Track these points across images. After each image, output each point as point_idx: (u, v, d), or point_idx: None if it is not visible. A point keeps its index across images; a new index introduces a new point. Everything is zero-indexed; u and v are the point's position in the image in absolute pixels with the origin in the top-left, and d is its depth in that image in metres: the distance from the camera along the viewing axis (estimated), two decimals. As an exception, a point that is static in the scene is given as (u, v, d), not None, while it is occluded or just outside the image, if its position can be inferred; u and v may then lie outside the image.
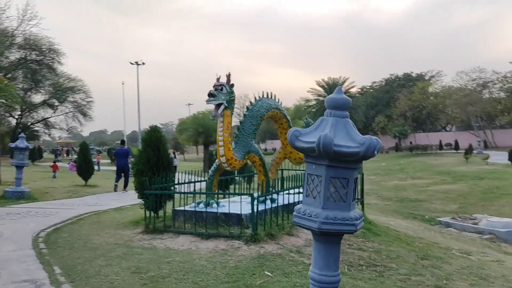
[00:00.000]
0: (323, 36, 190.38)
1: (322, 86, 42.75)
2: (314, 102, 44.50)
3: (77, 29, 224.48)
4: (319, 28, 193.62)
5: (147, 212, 6.91)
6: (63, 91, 43.47)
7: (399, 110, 62.25)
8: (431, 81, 66.41)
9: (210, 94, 6.31)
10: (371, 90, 74.21)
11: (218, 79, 6.59)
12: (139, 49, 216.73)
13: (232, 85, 6.62)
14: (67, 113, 48.12)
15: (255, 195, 6.13)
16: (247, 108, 7.29)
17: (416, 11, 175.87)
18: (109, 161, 40.85)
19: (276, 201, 6.80)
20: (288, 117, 8.31)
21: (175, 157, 25.63)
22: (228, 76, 6.61)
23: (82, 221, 8.19)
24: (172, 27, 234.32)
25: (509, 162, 30.19)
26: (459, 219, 13.88)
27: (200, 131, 31.65)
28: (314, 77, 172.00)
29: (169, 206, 7.23)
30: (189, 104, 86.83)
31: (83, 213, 9.11)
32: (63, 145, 68.95)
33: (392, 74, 73.20)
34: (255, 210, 5.84)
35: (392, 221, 10.44)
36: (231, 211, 6.36)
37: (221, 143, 6.46)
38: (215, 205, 6.86)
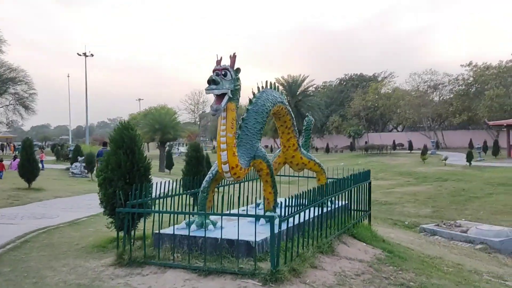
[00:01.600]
0: (279, 38, 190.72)
1: (281, 84, 41.70)
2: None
3: (20, 18, 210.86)
4: (276, 30, 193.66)
5: (120, 235, 5.28)
6: (3, 82, 39.92)
7: (353, 110, 62.82)
8: (383, 82, 67.54)
9: (212, 81, 4.79)
10: (325, 90, 74.56)
11: (219, 61, 5.08)
12: (87, 41, 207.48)
13: (238, 70, 5.14)
14: (7, 105, 44.52)
15: (274, 213, 4.72)
16: (250, 101, 5.82)
17: (368, 18, 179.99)
18: (53, 158, 37.57)
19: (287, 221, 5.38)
20: (292, 114, 6.95)
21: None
22: (233, 58, 5.12)
23: (28, 244, 6.32)
24: (121, 19, 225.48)
25: (467, 164, 30.59)
26: (444, 226, 13.14)
27: (156, 127, 29.59)
28: (271, 75, 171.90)
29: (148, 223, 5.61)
30: (139, 99, 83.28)
31: (29, 231, 7.16)
32: (2, 140, 63.52)
33: (346, 74, 73.85)
34: (276, 236, 4.40)
35: (392, 233, 9.35)
36: (237, 237, 4.81)
37: (223, 146, 4.97)
38: (211, 226, 5.35)
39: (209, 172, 5.60)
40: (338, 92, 70.88)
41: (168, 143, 29.58)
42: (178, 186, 6.33)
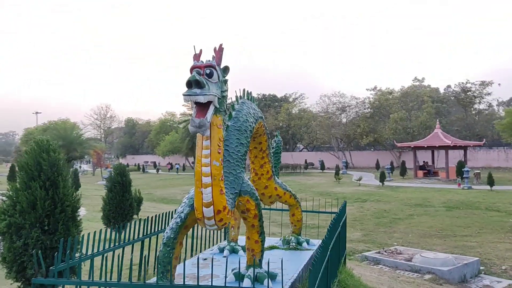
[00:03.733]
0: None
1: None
2: (189, 117, 41.58)
3: None
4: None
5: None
6: None
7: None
8: (294, 103, 69.19)
9: (195, 82, 3.27)
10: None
11: (197, 56, 3.60)
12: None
13: (227, 69, 3.69)
14: None
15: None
16: (229, 115, 4.38)
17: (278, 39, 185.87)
18: None
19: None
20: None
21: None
22: (219, 51, 3.67)
23: None
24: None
25: (380, 184, 31.57)
26: (385, 253, 12.61)
27: (60, 144, 26.22)
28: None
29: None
30: (36, 112, 75.50)
31: None
32: None
33: (259, 94, 74.39)
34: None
35: (353, 269, 8.32)
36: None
37: (206, 180, 3.46)
38: None
39: (175, 216, 3.97)
40: (251, 111, 71.04)
41: (73, 162, 26.34)
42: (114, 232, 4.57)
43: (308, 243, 6.14)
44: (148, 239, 4.82)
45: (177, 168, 63.23)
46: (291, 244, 6.00)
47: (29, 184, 4.01)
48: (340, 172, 41.26)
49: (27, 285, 3.66)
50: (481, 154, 48.15)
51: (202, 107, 3.33)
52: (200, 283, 3.51)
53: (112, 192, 9.19)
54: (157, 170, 63.72)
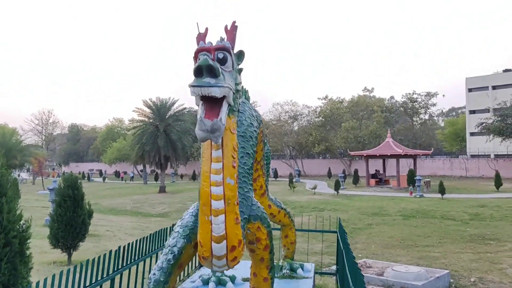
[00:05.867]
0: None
1: (149, 107, 38.55)
2: (139, 124, 39.83)
3: None
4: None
5: None
6: None
7: (219, 136, 62.39)
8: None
9: (209, 69, 2.41)
10: (191, 116, 73.07)
11: (203, 36, 2.79)
12: None
13: (242, 54, 2.89)
14: None
15: None
16: None
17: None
18: None
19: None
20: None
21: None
22: (232, 29, 2.86)
23: None
24: None
25: (335, 192, 31.61)
26: (354, 267, 12.10)
27: (-3, 151, 24.01)
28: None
29: None
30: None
31: None
32: None
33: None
34: None
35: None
36: None
37: (218, 205, 2.62)
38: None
39: (165, 251, 3.06)
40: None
41: (12, 170, 24.15)
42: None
43: (303, 269, 5.40)
44: (119, 275, 3.88)
45: (132, 177, 60.90)
46: (284, 271, 5.21)
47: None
48: (294, 180, 41.11)
49: None
50: (427, 162, 49.91)
51: (212, 105, 2.48)
52: None
53: (61, 207, 7.99)
54: (104, 179, 60.84)
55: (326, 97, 58.94)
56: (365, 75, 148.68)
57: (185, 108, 42.48)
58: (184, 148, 39.11)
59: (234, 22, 2.85)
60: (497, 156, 50.06)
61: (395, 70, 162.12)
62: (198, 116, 2.46)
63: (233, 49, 2.78)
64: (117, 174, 69.07)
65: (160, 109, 38.03)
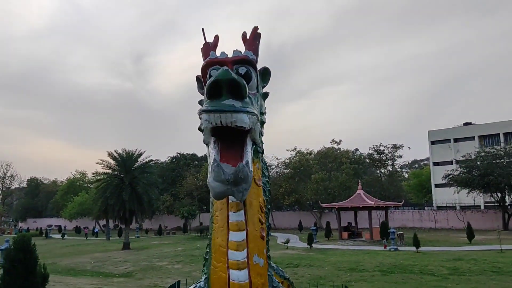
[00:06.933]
0: (97, 110, 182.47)
1: (114, 158, 37.12)
2: (103, 176, 38.10)
3: None
4: (92, 101, 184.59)
5: None
6: None
7: (186, 189, 60.84)
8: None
9: (232, 85, 1.57)
10: (157, 168, 71.58)
11: (212, 45, 2.09)
12: None
13: (267, 74, 2.17)
14: None
15: None
16: None
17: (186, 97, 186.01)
18: None
19: None
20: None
21: None
22: (254, 38, 2.14)
23: None
24: None
25: (308, 246, 30.59)
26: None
27: None
28: (85, 151, 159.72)
29: None
30: None
31: None
32: None
33: (178, 153, 72.48)
34: None
35: None
36: None
37: (241, 277, 1.78)
38: None
39: None
40: (170, 170, 68.57)
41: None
42: None
43: None
44: None
45: (96, 232, 57.89)
46: None
47: None
48: (264, 234, 39.87)
49: None
50: (397, 214, 49.91)
51: (229, 143, 1.70)
52: None
53: (10, 274, 6.79)
54: (63, 235, 57.41)
55: (295, 148, 59.15)
56: (331, 128, 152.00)
57: (151, 160, 41.24)
58: (150, 202, 37.44)
59: (256, 28, 2.15)
60: (463, 207, 50.78)
61: (359, 125, 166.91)
62: (211, 160, 1.67)
63: (256, 62, 2.05)
64: (77, 230, 65.56)
65: (126, 161, 36.67)
